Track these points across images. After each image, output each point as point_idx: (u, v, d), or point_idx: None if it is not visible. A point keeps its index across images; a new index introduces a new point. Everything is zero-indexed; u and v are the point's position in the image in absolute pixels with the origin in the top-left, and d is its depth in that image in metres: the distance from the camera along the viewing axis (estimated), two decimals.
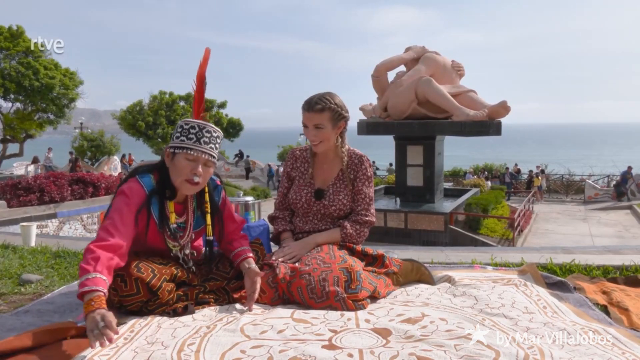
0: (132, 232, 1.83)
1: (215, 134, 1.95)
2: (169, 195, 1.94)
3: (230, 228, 2.12)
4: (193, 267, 2.02)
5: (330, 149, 2.26)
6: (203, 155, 1.89)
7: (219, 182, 2.13)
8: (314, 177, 2.31)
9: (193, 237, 2.05)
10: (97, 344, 1.46)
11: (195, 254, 2.08)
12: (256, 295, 1.92)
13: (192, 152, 1.88)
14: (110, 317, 1.52)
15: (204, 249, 2.11)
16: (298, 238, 2.27)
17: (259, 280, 1.95)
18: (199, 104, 2.08)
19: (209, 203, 2.04)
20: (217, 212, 2.08)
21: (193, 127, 1.91)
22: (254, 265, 2.01)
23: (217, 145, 1.96)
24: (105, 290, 1.63)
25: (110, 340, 1.47)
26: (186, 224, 2.01)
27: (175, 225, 1.95)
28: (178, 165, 1.89)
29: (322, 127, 2.16)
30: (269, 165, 26.19)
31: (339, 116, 2.19)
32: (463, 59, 13.21)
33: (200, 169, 1.89)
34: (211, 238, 2.06)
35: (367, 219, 2.25)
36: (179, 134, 1.92)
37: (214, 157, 1.94)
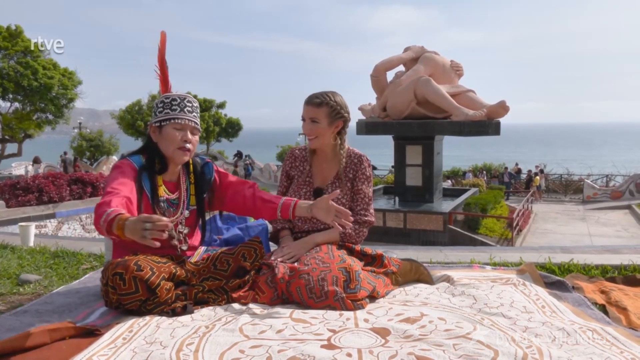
0: (133, 188, 1.90)
1: (195, 104, 2.07)
2: (159, 169, 2.04)
3: (246, 184, 2.19)
4: (184, 246, 2.08)
5: (329, 147, 2.27)
6: (189, 123, 2.02)
7: (208, 160, 2.23)
8: (312, 175, 2.32)
9: (187, 214, 2.11)
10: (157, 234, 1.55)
11: (189, 231, 2.13)
12: (349, 214, 1.95)
13: (179, 121, 1.99)
14: (144, 215, 1.60)
15: (200, 236, 2.19)
16: (297, 237, 2.28)
17: (332, 202, 1.97)
18: (165, 85, 2.20)
19: (192, 173, 2.14)
20: (207, 185, 2.16)
21: (175, 99, 2.03)
22: (310, 202, 2.05)
23: (197, 115, 2.08)
24: (126, 212, 1.70)
25: (167, 226, 1.57)
26: (179, 201, 2.09)
27: (165, 198, 2.03)
28: (167, 136, 2.00)
29: (317, 121, 2.19)
30: (248, 164, 26.11)
31: (336, 114, 2.20)
32: (463, 58, 13.23)
33: (189, 136, 2.01)
34: (194, 207, 2.13)
35: (366, 218, 2.26)
36: (161, 108, 2.02)
37: (197, 124, 2.06)
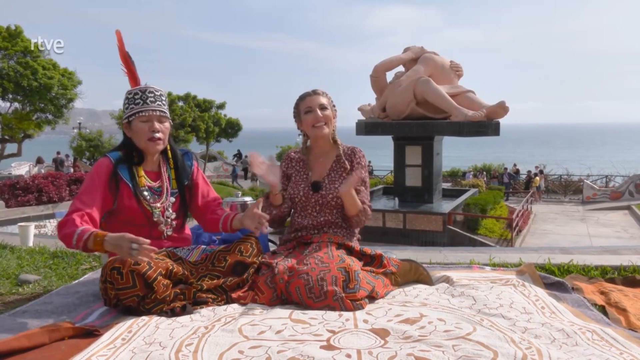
0: (99, 199, 1.99)
1: (158, 93, 2.12)
2: (137, 161, 2.11)
3: (212, 195, 2.28)
4: (169, 231, 2.15)
5: (327, 140, 2.36)
6: (154, 113, 2.07)
7: (188, 150, 2.30)
8: (310, 170, 2.38)
9: (173, 200, 2.17)
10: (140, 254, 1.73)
11: (175, 216, 2.18)
12: (265, 218, 2.05)
13: (143, 114, 2.06)
14: (129, 235, 1.75)
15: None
16: (297, 234, 2.30)
17: (259, 206, 2.10)
18: (134, 80, 2.26)
19: (171, 158, 2.19)
20: (188, 172, 2.22)
21: (136, 93, 2.09)
22: (242, 214, 2.17)
23: (163, 102, 2.13)
24: (97, 230, 1.87)
25: (153, 251, 1.76)
26: (162, 188, 2.15)
27: (147, 187, 2.10)
28: (137, 130, 2.07)
29: (326, 107, 2.31)
30: (234, 165, 26.22)
31: (333, 105, 2.38)
32: (462, 58, 13.23)
33: (156, 125, 2.07)
34: (175, 190, 2.18)
35: (370, 204, 2.33)
36: (127, 104, 2.09)
37: (164, 112, 2.11)
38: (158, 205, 2.11)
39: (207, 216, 2.25)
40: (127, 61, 2.27)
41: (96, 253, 3.13)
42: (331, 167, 2.35)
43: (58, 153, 23.37)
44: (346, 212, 2.28)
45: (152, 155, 2.13)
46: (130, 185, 2.06)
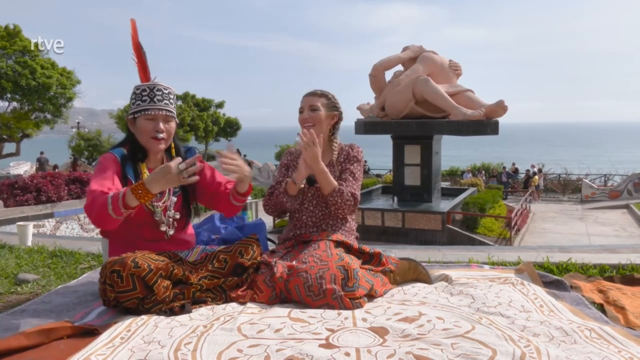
0: (115, 179, 1.94)
1: (166, 91, 2.06)
2: (141, 158, 2.07)
3: (218, 179, 2.21)
4: (171, 231, 2.11)
5: (323, 139, 2.32)
6: (160, 112, 2.02)
7: (191, 147, 2.26)
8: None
9: (175, 200, 2.13)
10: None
11: (179, 216, 2.14)
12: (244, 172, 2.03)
13: (149, 112, 2.01)
14: (168, 163, 1.79)
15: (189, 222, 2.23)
16: (296, 232, 2.31)
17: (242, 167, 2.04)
18: (144, 72, 2.20)
19: (174, 156, 2.12)
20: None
21: (144, 90, 2.03)
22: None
23: (171, 101, 2.07)
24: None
25: (198, 158, 1.82)
26: None
27: None
28: (140, 128, 2.03)
29: (316, 109, 2.31)
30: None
31: (333, 106, 2.36)
32: (463, 57, 13.25)
33: (161, 126, 2.02)
34: (178, 189, 2.14)
35: (354, 191, 2.28)
36: (134, 100, 2.04)
37: (170, 112, 2.06)
38: (160, 204, 2.07)
39: (222, 205, 2.19)
40: (139, 52, 2.21)
41: (94, 252, 3.13)
42: (328, 164, 2.34)
43: (42, 153, 23.37)
44: (322, 191, 2.26)
45: (155, 153, 2.10)
46: (134, 182, 2.01)
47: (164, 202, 2.09)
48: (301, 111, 2.34)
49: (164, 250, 2.04)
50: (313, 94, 2.35)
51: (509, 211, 13.96)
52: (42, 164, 21.84)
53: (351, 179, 2.31)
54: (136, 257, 1.83)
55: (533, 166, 23.02)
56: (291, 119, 2.42)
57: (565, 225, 14.49)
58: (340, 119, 2.39)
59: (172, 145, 2.15)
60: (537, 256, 2.84)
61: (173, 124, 2.08)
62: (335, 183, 2.25)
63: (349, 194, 2.25)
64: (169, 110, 2.04)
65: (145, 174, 2.05)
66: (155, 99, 2.02)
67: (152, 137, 2.02)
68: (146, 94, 2.02)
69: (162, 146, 2.07)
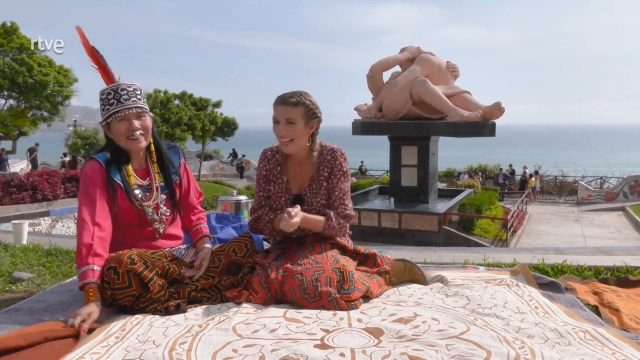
0: (101, 197, 1.96)
1: (130, 88, 2.04)
2: (125, 160, 2.07)
3: (194, 196, 2.25)
4: (162, 228, 2.12)
5: (303, 150, 2.16)
6: (130, 111, 2.00)
7: (173, 145, 2.27)
8: (288, 182, 2.23)
9: (164, 198, 2.13)
10: (70, 321, 1.68)
11: (169, 212, 2.16)
12: (203, 270, 2.01)
13: (119, 114, 1.99)
14: (95, 314, 1.73)
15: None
16: (282, 245, 2.24)
17: (208, 258, 2.06)
18: (106, 75, 2.18)
19: (154, 152, 2.14)
20: (174, 169, 2.18)
21: (109, 93, 2.02)
22: (208, 245, 2.15)
23: (138, 97, 2.05)
24: (98, 281, 1.82)
25: (84, 331, 1.66)
26: (151, 185, 2.11)
27: (137, 185, 2.07)
28: (115, 131, 2.02)
29: (294, 122, 2.06)
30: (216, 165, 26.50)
31: (312, 114, 2.10)
32: (463, 58, 13.30)
33: (135, 124, 2.01)
34: (163, 184, 2.15)
35: (347, 212, 2.18)
36: (102, 106, 2.03)
37: (140, 107, 2.03)
38: (150, 203, 2.08)
39: (185, 216, 2.25)
40: (96, 57, 2.17)
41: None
42: (311, 177, 2.19)
43: (37, 144, 23.31)
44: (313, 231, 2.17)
45: (137, 153, 2.09)
46: (122, 186, 2.02)
47: (154, 201, 2.09)
48: (276, 121, 2.09)
49: (157, 246, 2.05)
50: (287, 104, 2.06)
51: (505, 213, 13.99)
52: (33, 155, 21.94)
53: (340, 196, 2.18)
54: (132, 255, 1.84)
55: (525, 167, 23.05)
56: None
57: (561, 227, 14.54)
58: (319, 125, 2.16)
59: (151, 142, 2.13)
60: (533, 258, 2.85)
61: (147, 119, 2.06)
62: (322, 219, 2.12)
63: (341, 220, 2.15)
64: (138, 107, 2.02)
65: (132, 175, 2.06)
66: (122, 99, 2.00)
67: (129, 137, 2.01)
68: (112, 96, 2.01)
69: (142, 144, 2.05)
